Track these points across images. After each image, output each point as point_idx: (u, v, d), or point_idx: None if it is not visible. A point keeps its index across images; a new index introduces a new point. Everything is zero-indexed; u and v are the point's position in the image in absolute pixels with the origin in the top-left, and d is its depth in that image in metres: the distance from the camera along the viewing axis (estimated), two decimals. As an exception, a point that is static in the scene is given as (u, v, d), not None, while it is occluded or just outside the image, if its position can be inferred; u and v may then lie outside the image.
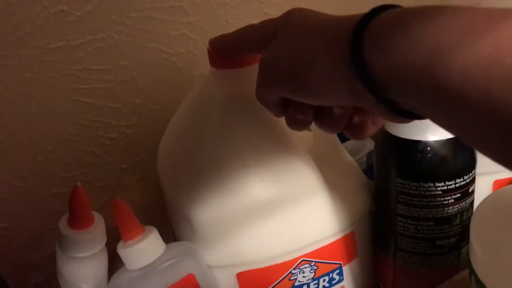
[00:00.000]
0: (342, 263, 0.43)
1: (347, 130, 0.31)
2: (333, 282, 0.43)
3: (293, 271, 0.41)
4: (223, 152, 0.39)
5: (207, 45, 0.39)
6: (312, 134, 0.45)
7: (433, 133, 0.38)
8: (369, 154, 0.55)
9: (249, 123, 0.39)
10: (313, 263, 0.41)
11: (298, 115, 0.31)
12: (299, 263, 0.41)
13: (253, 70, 0.39)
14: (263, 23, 0.33)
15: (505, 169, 0.42)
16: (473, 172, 0.40)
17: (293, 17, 0.30)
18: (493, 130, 0.20)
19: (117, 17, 0.50)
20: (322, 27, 0.28)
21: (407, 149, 0.39)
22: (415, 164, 0.39)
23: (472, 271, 0.33)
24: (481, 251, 0.32)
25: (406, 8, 0.24)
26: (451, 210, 0.40)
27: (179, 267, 0.38)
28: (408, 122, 0.26)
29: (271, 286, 0.41)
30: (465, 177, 0.39)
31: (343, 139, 0.53)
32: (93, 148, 0.53)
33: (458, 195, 0.39)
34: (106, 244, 0.38)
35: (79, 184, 0.36)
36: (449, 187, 0.39)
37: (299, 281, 0.42)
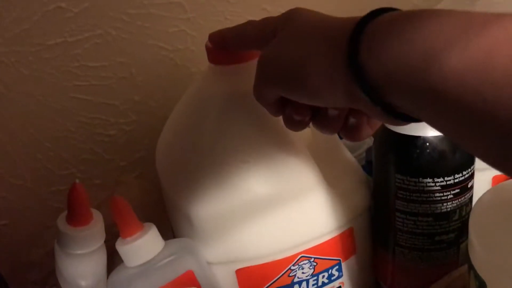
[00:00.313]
0: (341, 259, 0.43)
1: (343, 132, 0.31)
2: (332, 278, 0.43)
3: (292, 267, 0.41)
4: (221, 149, 0.39)
5: (206, 41, 0.39)
6: (310, 131, 0.45)
7: (432, 129, 0.38)
8: (368, 150, 0.55)
9: (248, 119, 0.39)
10: (312, 259, 0.41)
11: (295, 115, 0.31)
12: (298, 259, 0.41)
13: (252, 66, 0.39)
14: (264, 21, 0.33)
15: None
16: (472, 167, 0.40)
17: (294, 16, 0.30)
18: (489, 135, 0.20)
19: (114, 14, 0.50)
20: (322, 28, 0.28)
21: (406, 144, 0.39)
22: (413, 160, 0.39)
23: (471, 267, 0.33)
24: (480, 246, 0.32)
25: (402, 12, 0.24)
26: (450, 206, 0.40)
27: (178, 263, 0.38)
28: (405, 124, 0.26)
29: (270, 282, 0.41)
30: (464, 173, 0.39)
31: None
32: (91, 146, 0.53)
33: (457, 190, 0.39)
34: (105, 241, 0.38)
35: (77, 181, 0.36)
36: (448, 182, 0.39)
37: (298, 277, 0.42)
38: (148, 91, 0.54)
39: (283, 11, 0.51)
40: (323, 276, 0.43)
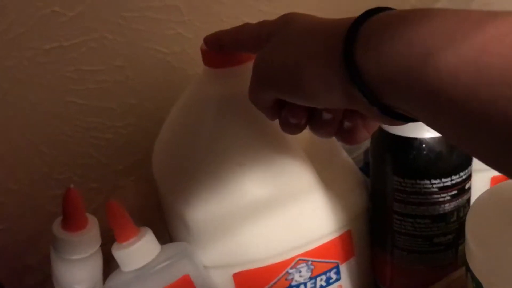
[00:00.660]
0: (339, 262, 0.43)
1: (339, 135, 0.31)
2: (330, 281, 0.43)
3: (289, 271, 0.41)
4: (217, 152, 0.39)
5: (202, 44, 0.39)
6: (308, 132, 0.45)
7: (428, 130, 0.38)
8: (366, 152, 0.55)
9: (244, 122, 0.39)
10: (310, 262, 0.41)
11: (291, 118, 0.31)
12: (295, 263, 0.41)
13: (247, 68, 0.39)
14: (259, 24, 0.33)
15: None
16: (469, 168, 0.40)
17: (289, 20, 0.30)
18: (486, 136, 0.20)
19: (110, 17, 0.49)
20: (317, 30, 0.28)
21: (403, 146, 0.39)
22: (410, 161, 0.39)
23: (468, 269, 0.33)
24: (476, 248, 0.32)
25: (397, 11, 0.24)
26: (447, 207, 0.40)
27: (175, 268, 0.38)
28: (402, 124, 0.26)
29: (268, 286, 0.41)
30: (461, 174, 0.39)
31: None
32: (88, 149, 0.53)
33: (455, 192, 0.39)
34: (101, 246, 0.38)
35: (72, 185, 0.36)
36: (445, 184, 0.39)
37: (296, 281, 0.41)
38: (145, 94, 0.54)
39: (280, 12, 0.51)
40: (321, 279, 0.42)
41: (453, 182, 0.39)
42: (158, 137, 0.46)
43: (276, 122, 0.39)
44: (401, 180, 0.39)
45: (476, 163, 0.41)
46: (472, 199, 0.40)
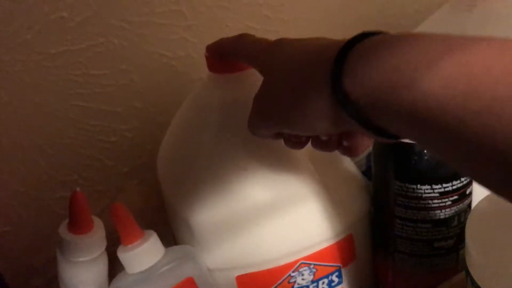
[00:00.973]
0: (341, 265, 0.43)
1: (340, 151, 0.32)
2: (332, 284, 0.43)
3: (292, 274, 0.41)
4: (221, 156, 0.40)
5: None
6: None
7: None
8: (369, 156, 0.55)
9: (247, 126, 0.40)
10: (312, 266, 0.42)
11: (293, 140, 0.33)
12: (298, 266, 0.41)
13: (250, 74, 0.39)
14: (255, 42, 0.34)
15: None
16: (470, 174, 0.40)
17: (279, 49, 0.31)
18: (477, 161, 0.20)
19: (116, 22, 0.50)
20: (305, 59, 0.28)
21: (404, 151, 0.39)
22: (412, 167, 0.39)
23: (468, 273, 0.33)
24: (476, 253, 0.32)
25: (385, 36, 0.24)
26: (448, 212, 0.40)
27: (179, 270, 0.39)
28: (399, 141, 0.27)
29: (270, 288, 0.41)
30: (462, 179, 0.39)
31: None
32: (93, 152, 0.54)
33: (456, 197, 0.40)
34: (106, 248, 0.38)
35: (78, 189, 0.36)
36: (446, 189, 0.39)
37: (298, 284, 0.42)
38: (149, 97, 0.54)
39: (284, 17, 0.51)
40: (323, 283, 0.43)
41: (454, 187, 0.39)
42: (163, 141, 0.46)
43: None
44: (402, 185, 0.40)
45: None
46: (474, 204, 0.41)
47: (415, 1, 0.63)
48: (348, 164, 0.46)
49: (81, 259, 0.36)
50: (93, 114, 0.53)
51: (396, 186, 0.40)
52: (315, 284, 0.42)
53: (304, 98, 0.27)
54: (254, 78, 0.40)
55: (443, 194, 0.39)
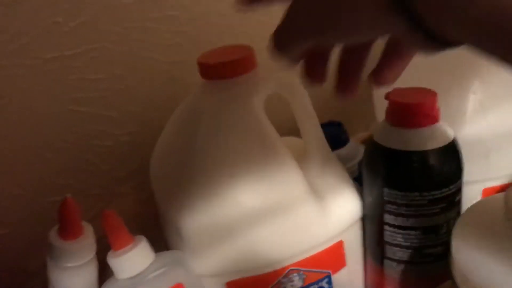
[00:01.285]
0: (331, 272, 0.43)
1: (370, 77, 0.31)
2: (322, 290, 0.44)
3: (282, 280, 0.41)
4: (212, 162, 0.40)
5: (198, 56, 0.40)
6: (302, 142, 0.45)
7: (419, 143, 0.39)
8: (361, 162, 0.55)
9: (238, 133, 0.40)
10: (302, 272, 0.42)
11: (318, 62, 0.32)
12: (287, 272, 0.41)
13: (242, 81, 0.40)
14: None
15: (495, 177, 0.42)
16: (458, 182, 0.40)
17: None
18: None
19: (111, 27, 0.51)
20: None
21: (394, 159, 0.39)
22: (401, 174, 0.39)
23: (453, 280, 0.33)
24: (460, 260, 0.32)
25: None
26: (437, 220, 0.40)
27: (168, 276, 0.39)
28: (442, 51, 0.24)
29: (260, 294, 0.42)
30: (451, 187, 0.39)
31: (335, 146, 0.53)
32: (89, 156, 0.54)
33: (444, 204, 0.40)
34: (97, 253, 0.39)
35: (69, 195, 0.37)
36: (435, 196, 0.39)
37: (288, 290, 0.42)
38: (144, 102, 0.55)
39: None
40: (313, 288, 0.43)
41: (443, 194, 0.39)
42: (156, 146, 0.47)
43: (271, 133, 0.40)
44: (391, 192, 0.40)
45: (469, 175, 0.42)
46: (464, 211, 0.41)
47: None
48: (340, 170, 0.46)
49: (70, 265, 0.37)
50: (88, 119, 0.53)
51: (386, 193, 0.40)
52: (305, 290, 0.43)
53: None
54: (245, 84, 0.40)
55: (432, 202, 0.39)
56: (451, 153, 0.39)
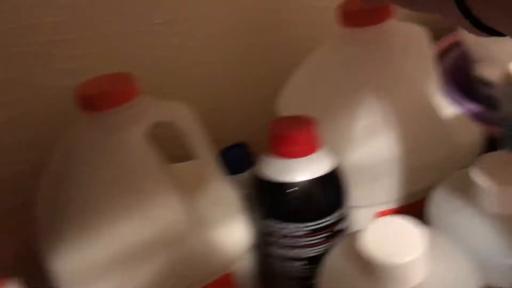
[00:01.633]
0: (220, 306, 0.42)
1: None
2: (213, 324, 0.42)
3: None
4: (84, 199, 0.38)
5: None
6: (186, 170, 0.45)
7: (294, 174, 0.38)
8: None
9: (113, 166, 0.39)
10: (188, 308, 0.41)
11: None
12: (173, 309, 0.40)
13: (122, 111, 0.38)
14: None
15: (386, 201, 0.42)
16: (341, 210, 0.40)
17: None
18: None
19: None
20: None
21: (271, 190, 0.39)
22: (278, 205, 0.39)
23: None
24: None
25: None
26: (321, 249, 0.40)
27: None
28: (490, 37, 0.26)
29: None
30: (332, 217, 0.39)
31: (238, 170, 0.52)
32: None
33: (326, 234, 0.39)
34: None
35: None
36: (316, 227, 0.39)
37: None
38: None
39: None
40: (201, 324, 0.42)
41: (323, 224, 0.39)
42: (41, 181, 0.45)
43: (149, 164, 0.39)
44: (271, 223, 0.39)
45: (360, 199, 0.42)
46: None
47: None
48: (232, 198, 0.45)
49: None
50: None
51: (267, 224, 0.40)
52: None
53: None
54: (124, 116, 0.39)
55: (314, 232, 0.39)
56: (330, 182, 0.39)
